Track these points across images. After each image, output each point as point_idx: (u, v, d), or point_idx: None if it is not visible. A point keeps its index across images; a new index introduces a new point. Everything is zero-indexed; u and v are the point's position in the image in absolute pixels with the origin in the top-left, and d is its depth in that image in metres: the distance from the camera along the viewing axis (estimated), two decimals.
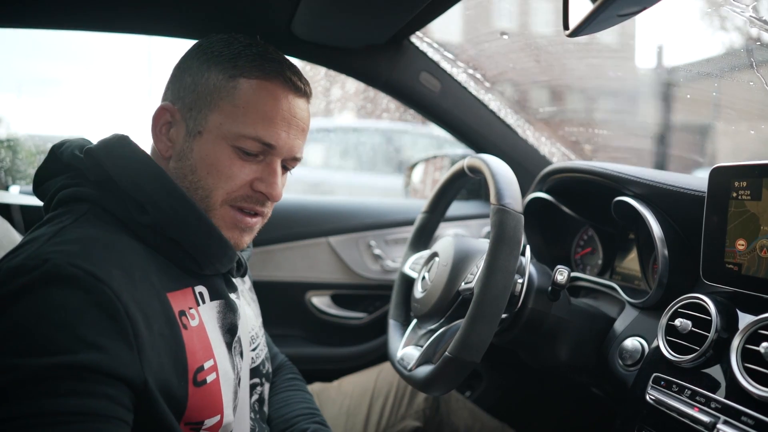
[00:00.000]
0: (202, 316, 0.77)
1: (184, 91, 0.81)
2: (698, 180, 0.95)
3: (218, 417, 0.75)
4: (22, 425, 0.54)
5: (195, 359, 0.72)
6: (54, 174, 0.78)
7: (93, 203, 0.73)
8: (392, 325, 1.17)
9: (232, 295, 0.86)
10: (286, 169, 0.87)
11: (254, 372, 0.93)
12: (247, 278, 1.04)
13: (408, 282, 1.19)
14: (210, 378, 0.74)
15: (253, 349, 0.95)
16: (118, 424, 0.59)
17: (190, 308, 0.75)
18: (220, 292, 0.83)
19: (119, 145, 0.77)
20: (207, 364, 0.74)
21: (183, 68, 0.83)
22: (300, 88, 0.84)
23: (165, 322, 0.69)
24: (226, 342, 0.80)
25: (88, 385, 0.58)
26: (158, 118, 0.82)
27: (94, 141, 0.81)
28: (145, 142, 0.85)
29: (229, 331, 0.82)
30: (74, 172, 0.77)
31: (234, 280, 0.90)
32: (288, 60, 0.86)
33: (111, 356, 0.60)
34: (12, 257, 0.65)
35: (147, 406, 0.64)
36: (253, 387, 0.92)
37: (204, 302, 0.79)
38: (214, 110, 0.79)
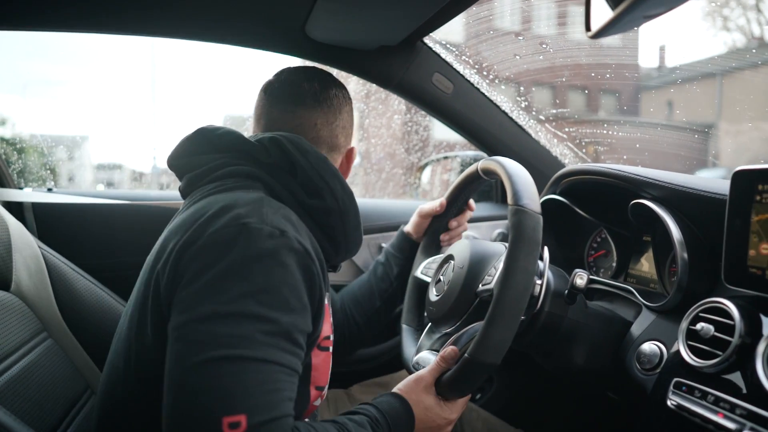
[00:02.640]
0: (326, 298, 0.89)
1: (350, 128, 1.04)
2: (718, 182, 0.95)
3: (326, 385, 0.94)
4: (261, 369, 0.66)
5: (324, 329, 0.87)
6: (201, 152, 0.90)
7: (264, 184, 0.85)
8: (405, 330, 1.16)
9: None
10: None
11: None
12: None
13: (421, 286, 1.19)
14: (330, 348, 0.92)
15: None
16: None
17: None
18: (328, 285, 0.94)
19: (300, 141, 0.89)
20: (331, 336, 0.92)
21: (349, 111, 1.03)
22: None
23: (325, 286, 0.82)
24: (333, 325, 0.97)
25: (299, 343, 0.72)
26: (350, 157, 1.03)
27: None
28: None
29: (331, 318, 0.97)
30: (234, 154, 0.88)
31: None
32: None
33: (307, 319, 0.74)
34: (236, 212, 0.74)
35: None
36: None
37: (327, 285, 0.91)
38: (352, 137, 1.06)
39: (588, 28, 0.76)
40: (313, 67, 1.02)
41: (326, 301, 0.86)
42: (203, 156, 0.89)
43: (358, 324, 1.27)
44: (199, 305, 0.68)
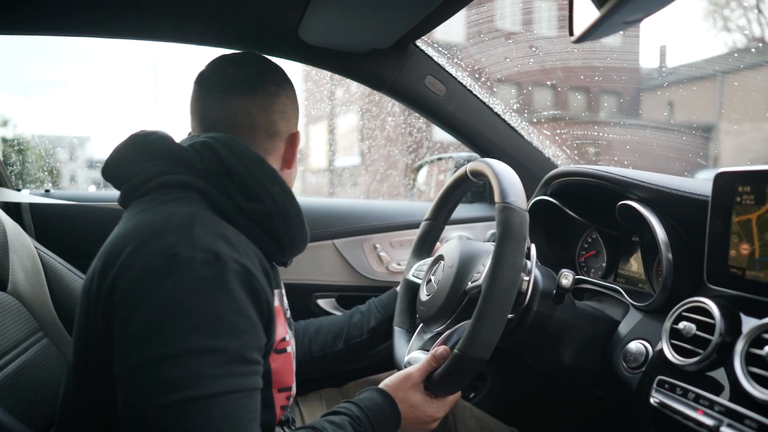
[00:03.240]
0: (276, 299, 0.88)
1: (297, 119, 1.00)
2: (702, 184, 0.96)
3: (294, 385, 0.93)
4: (219, 403, 0.65)
5: (278, 332, 0.85)
6: (134, 161, 0.86)
7: (199, 192, 0.82)
8: (397, 332, 1.17)
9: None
10: None
11: None
12: None
13: (412, 289, 1.20)
14: (289, 348, 0.90)
15: None
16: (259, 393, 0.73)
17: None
18: (279, 281, 0.94)
19: (235, 142, 0.86)
20: (288, 336, 0.91)
21: (291, 98, 0.98)
22: None
23: (272, 295, 0.81)
24: (289, 323, 0.96)
25: (254, 360, 0.71)
26: (295, 143, 0.98)
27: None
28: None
29: (287, 314, 0.97)
30: (168, 161, 0.84)
31: None
32: None
33: (260, 335, 0.74)
34: (166, 240, 0.70)
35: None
36: None
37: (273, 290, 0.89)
38: (295, 126, 1.01)
39: (571, 33, 0.77)
40: (247, 53, 0.99)
41: (276, 303, 0.86)
42: (137, 165, 0.85)
43: (311, 355, 1.23)
44: (143, 348, 0.65)
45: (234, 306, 0.70)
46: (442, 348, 0.91)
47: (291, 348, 0.92)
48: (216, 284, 0.69)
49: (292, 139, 0.98)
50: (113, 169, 0.87)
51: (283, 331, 0.89)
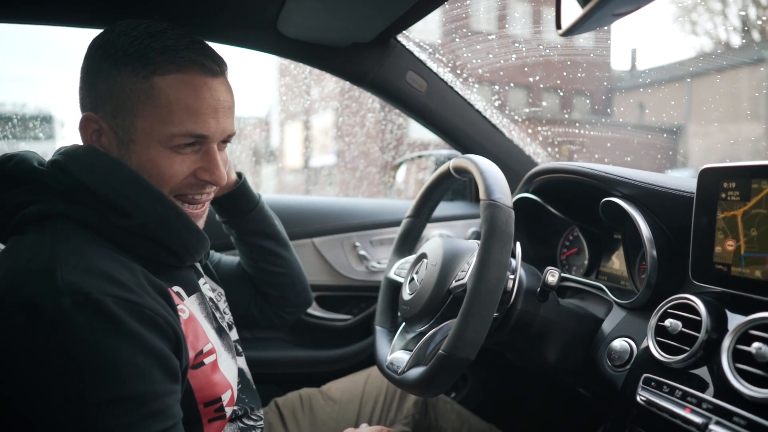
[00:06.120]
0: (190, 308, 0.83)
1: (101, 99, 0.78)
2: (686, 181, 0.96)
3: (230, 391, 0.85)
4: None
5: (193, 346, 0.79)
6: (1, 190, 0.77)
7: (65, 218, 0.73)
8: (379, 331, 1.14)
9: (201, 281, 0.93)
10: (224, 144, 0.88)
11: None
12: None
13: (394, 287, 1.18)
14: (210, 359, 0.82)
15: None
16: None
17: (178, 304, 0.79)
18: (194, 285, 0.88)
19: (89, 154, 0.78)
20: (209, 345, 0.83)
21: (92, 73, 0.79)
22: (216, 70, 0.81)
23: (173, 314, 0.75)
24: (214, 328, 0.88)
25: (170, 394, 0.68)
26: (85, 128, 0.80)
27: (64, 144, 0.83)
28: None
29: (212, 316, 0.90)
30: (30, 186, 0.76)
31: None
32: (198, 40, 0.82)
33: (170, 361, 0.69)
34: (25, 290, 0.63)
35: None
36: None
37: (184, 299, 0.83)
38: (138, 116, 0.77)
39: (558, 26, 0.76)
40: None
41: (190, 313, 0.81)
42: (2, 194, 0.76)
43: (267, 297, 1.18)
44: (34, 416, 0.59)
45: (126, 343, 0.63)
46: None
47: (215, 356, 0.84)
48: (96, 326, 0.61)
49: (82, 121, 0.80)
50: None
51: (200, 343, 0.81)
